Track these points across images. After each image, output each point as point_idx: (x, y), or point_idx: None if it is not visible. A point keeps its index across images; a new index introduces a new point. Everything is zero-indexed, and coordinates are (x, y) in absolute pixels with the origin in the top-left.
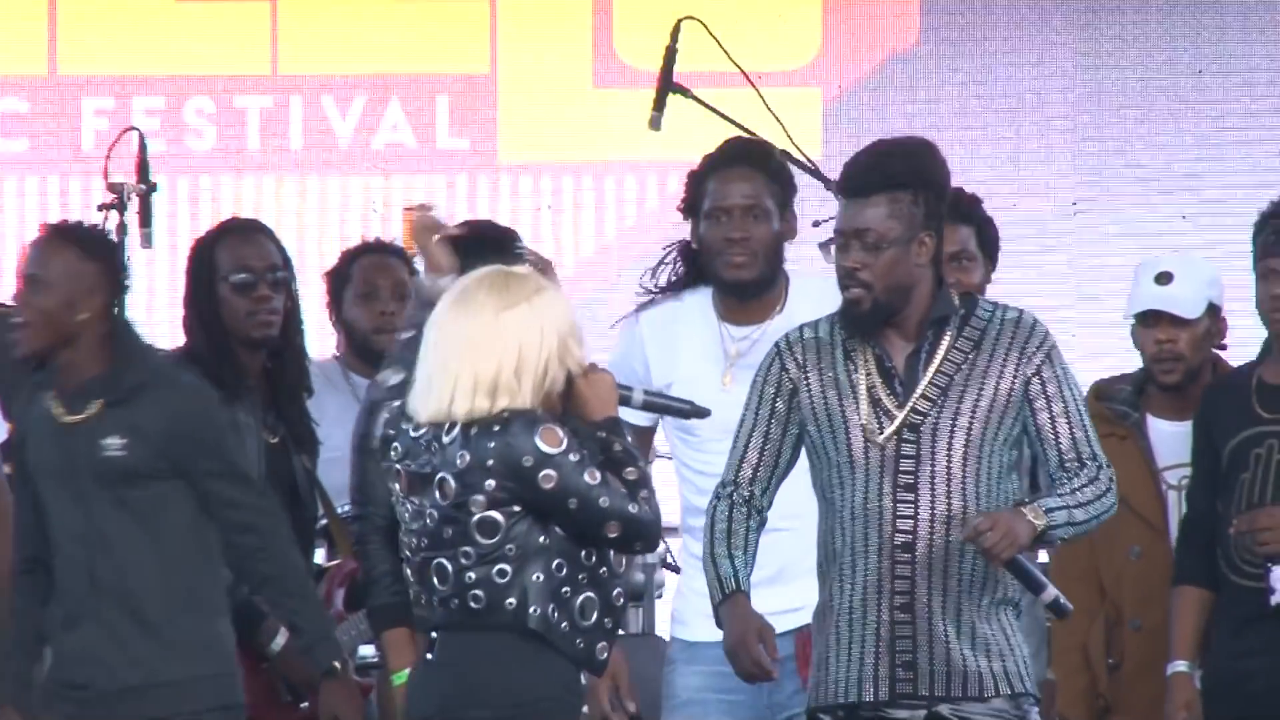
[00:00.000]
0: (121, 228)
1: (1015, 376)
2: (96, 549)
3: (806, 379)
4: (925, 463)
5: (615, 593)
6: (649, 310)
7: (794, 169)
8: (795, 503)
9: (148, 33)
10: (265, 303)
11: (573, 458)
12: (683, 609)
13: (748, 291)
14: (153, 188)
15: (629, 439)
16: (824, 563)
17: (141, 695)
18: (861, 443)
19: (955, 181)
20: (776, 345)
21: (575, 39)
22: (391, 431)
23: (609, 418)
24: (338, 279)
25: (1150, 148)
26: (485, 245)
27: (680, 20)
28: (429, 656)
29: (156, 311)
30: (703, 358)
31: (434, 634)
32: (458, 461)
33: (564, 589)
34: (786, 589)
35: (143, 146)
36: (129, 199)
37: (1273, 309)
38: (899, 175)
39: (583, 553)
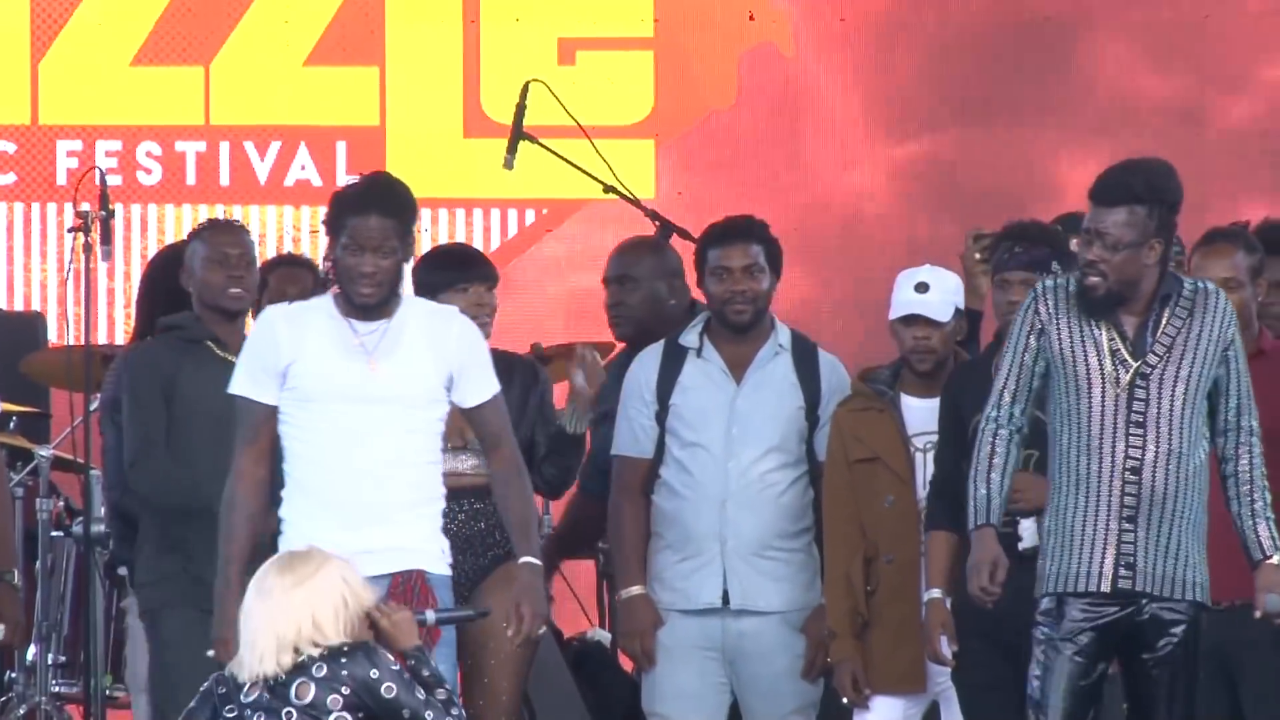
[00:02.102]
0: (87, 245)
1: (1218, 341)
2: None
3: (1056, 322)
4: (1153, 405)
5: None
6: (278, 306)
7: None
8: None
9: (108, 90)
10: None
11: (405, 676)
12: None
13: (372, 312)
14: (111, 214)
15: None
16: (1059, 475)
17: None
18: (1100, 384)
19: (759, 212)
20: (1034, 290)
21: (449, 97)
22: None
23: (414, 646)
24: (258, 286)
25: (967, 193)
26: (450, 265)
27: (527, 82)
28: None
29: (116, 309)
30: (331, 344)
31: None
32: (296, 694)
33: None
34: (385, 530)
35: (103, 181)
36: (93, 223)
37: (1007, 312)
38: (1139, 190)
39: None
